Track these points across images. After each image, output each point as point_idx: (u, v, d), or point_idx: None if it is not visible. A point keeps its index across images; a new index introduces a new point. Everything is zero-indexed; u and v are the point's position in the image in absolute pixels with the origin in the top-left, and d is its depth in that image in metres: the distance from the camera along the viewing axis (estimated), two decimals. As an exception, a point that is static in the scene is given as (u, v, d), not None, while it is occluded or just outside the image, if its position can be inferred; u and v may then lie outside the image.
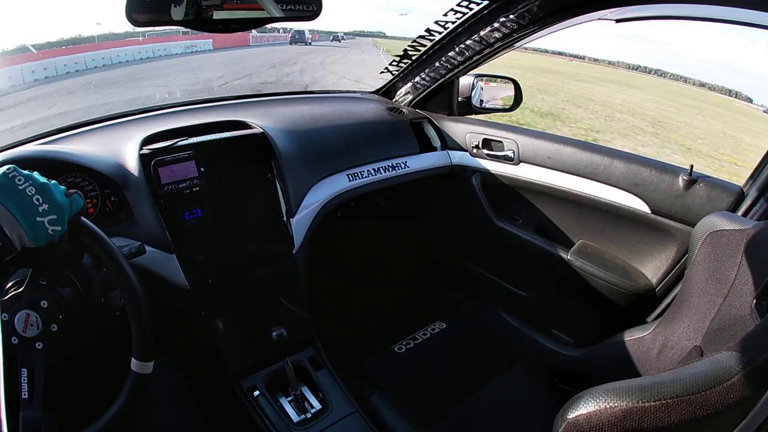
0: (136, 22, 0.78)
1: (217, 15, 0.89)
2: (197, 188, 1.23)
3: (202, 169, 1.23)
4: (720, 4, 1.02)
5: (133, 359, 0.82)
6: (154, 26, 0.85)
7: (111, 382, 0.87)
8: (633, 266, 1.40)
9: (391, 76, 1.78)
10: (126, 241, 1.07)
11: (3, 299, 0.76)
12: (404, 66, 1.70)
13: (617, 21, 1.32)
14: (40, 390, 0.78)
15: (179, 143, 1.25)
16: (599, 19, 1.31)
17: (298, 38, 25.37)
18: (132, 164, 1.17)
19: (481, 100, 1.77)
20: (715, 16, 1.14)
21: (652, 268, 1.36)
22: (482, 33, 1.43)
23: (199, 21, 0.86)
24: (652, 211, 1.30)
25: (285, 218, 1.34)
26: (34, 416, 0.77)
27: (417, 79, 1.70)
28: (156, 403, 1.23)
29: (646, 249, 1.37)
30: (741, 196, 1.16)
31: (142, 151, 1.20)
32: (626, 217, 1.36)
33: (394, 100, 1.81)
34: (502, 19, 1.36)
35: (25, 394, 0.78)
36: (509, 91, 1.72)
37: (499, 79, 1.74)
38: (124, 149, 1.22)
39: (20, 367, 0.78)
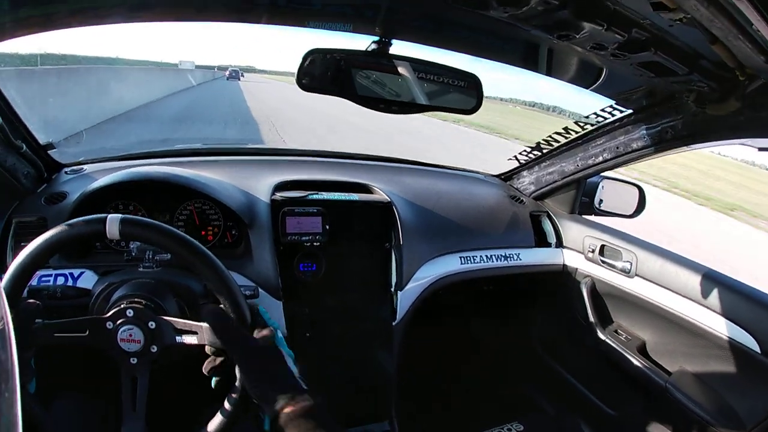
0: (303, 87, 0.89)
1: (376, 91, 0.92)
2: (318, 243, 1.25)
3: (327, 227, 1.26)
4: None
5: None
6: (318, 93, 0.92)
7: (196, 401, 0.86)
8: (731, 407, 1.28)
9: (518, 164, 1.88)
10: (241, 279, 1.10)
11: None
12: (533, 157, 1.80)
13: (759, 149, 1.36)
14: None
15: (310, 197, 1.29)
16: (741, 144, 1.36)
17: (235, 75, 31.74)
18: (262, 207, 1.21)
19: (601, 200, 1.81)
20: None
21: (753, 413, 1.24)
22: (621, 140, 1.48)
23: (362, 98, 0.92)
24: (763, 352, 1.21)
25: (392, 289, 1.34)
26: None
27: (543, 172, 1.78)
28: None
29: (750, 391, 1.26)
30: None
31: (274, 197, 1.25)
32: (734, 352, 1.28)
33: (515, 187, 1.90)
34: (643, 131, 1.42)
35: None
36: (633, 196, 1.74)
37: (624, 183, 1.77)
38: (256, 190, 1.26)
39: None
